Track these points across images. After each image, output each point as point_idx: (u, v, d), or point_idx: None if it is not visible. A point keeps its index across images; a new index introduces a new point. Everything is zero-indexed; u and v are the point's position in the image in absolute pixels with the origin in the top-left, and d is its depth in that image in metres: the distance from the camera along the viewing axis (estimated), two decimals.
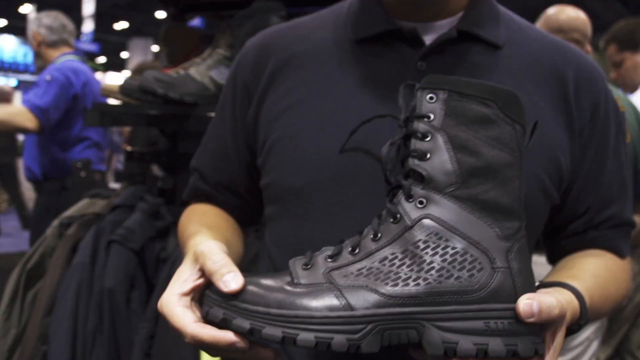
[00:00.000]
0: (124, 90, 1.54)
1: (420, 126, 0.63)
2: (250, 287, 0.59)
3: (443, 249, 0.60)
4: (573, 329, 0.70)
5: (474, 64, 0.78)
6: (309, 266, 0.62)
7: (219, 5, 1.86)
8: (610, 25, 2.63)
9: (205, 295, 0.61)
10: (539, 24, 2.25)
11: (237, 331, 0.58)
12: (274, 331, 0.57)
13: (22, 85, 17.07)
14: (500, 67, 0.79)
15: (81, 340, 1.45)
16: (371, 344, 0.58)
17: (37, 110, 2.65)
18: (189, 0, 1.89)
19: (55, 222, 1.66)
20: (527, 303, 0.59)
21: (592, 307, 0.73)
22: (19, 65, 17.04)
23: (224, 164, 0.90)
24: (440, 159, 0.62)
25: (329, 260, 0.62)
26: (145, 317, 1.43)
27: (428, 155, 0.63)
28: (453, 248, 0.60)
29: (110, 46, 18.07)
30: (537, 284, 0.74)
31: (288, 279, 0.61)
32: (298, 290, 0.59)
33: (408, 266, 0.60)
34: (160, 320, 1.41)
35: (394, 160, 0.66)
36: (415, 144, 0.63)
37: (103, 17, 15.66)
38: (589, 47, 2.26)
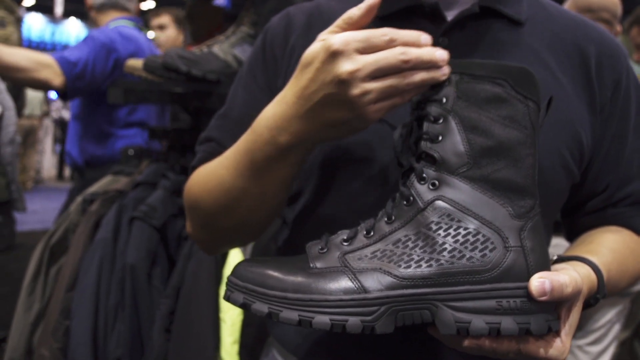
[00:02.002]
0: (147, 67, 1.55)
1: (433, 109, 0.63)
2: (269, 272, 0.61)
3: (455, 229, 0.60)
4: (590, 302, 0.70)
5: (496, 40, 0.78)
6: (324, 250, 0.63)
7: None
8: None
9: (227, 280, 0.63)
10: (568, 4, 2.20)
11: (256, 314, 0.60)
12: (291, 315, 0.58)
13: None
14: (522, 43, 0.78)
15: (103, 315, 1.48)
16: (385, 325, 0.58)
17: (64, 62, 2.18)
18: None
19: (79, 199, 1.69)
20: (539, 281, 0.59)
21: (609, 281, 0.73)
22: (46, 44, 17.25)
23: None
24: (452, 140, 0.62)
25: (344, 243, 0.63)
26: (166, 294, 1.45)
27: (440, 138, 0.63)
28: (465, 229, 0.60)
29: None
30: (555, 257, 0.74)
31: (304, 263, 0.62)
32: (314, 274, 0.60)
33: (421, 248, 0.60)
34: (180, 297, 1.43)
35: (407, 143, 0.66)
36: (427, 126, 0.63)
37: None
38: (618, 27, 2.21)
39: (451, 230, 0.60)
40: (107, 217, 1.57)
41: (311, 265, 0.61)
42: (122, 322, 1.48)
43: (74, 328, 1.48)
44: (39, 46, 16.88)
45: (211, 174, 0.80)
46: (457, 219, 0.61)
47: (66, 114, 8.95)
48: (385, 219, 0.63)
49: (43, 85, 2.27)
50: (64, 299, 1.55)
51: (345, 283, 0.59)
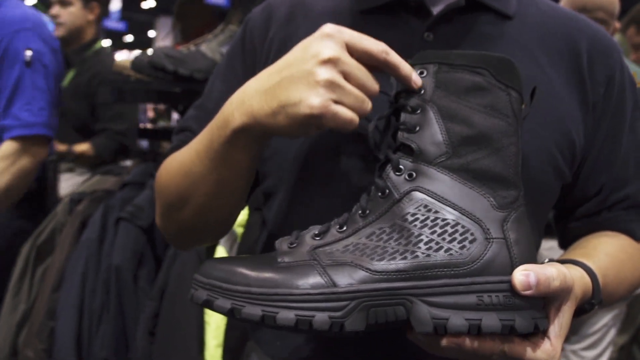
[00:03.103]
0: (135, 66, 1.53)
1: (411, 100, 0.61)
2: (235, 268, 0.58)
3: (432, 221, 0.58)
4: (585, 308, 0.67)
5: (483, 35, 0.75)
6: (294, 245, 0.60)
7: None
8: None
9: (193, 278, 0.60)
10: (563, 2, 2.18)
11: (219, 312, 0.57)
12: (254, 310, 0.55)
13: None
14: (510, 37, 0.75)
15: (87, 317, 1.46)
16: (355, 322, 0.55)
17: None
18: None
19: (66, 199, 1.66)
20: (523, 274, 0.56)
21: (606, 288, 0.69)
22: None
23: None
24: (430, 130, 0.60)
25: (316, 238, 0.60)
26: (150, 296, 1.43)
27: (417, 128, 0.60)
28: (443, 219, 0.58)
29: (137, 25, 18.14)
30: (546, 261, 0.71)
31: (273, 258, 0.59)
32: (281, 268, 0.57)
33: (396, 240, 0.57)
34: (164, 299, 1.41)
35: (384, 135, 0.63)
36: (404, 117, 0.61)
37: None
38: (616, 24, 2.18)
39: (428, 222, 0.58)
40: (94, 217, 1.54)
41: (279, 260, 0.58)
42: (107, 323, 1.46)
43: (59, 329, 1.46)
44: None
45: (176, 161, 0.78)
46: (435, 210, 0.58)
47: None
48: (360, 212, 0.60)
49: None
50: (49, 299, 1.53)
51: (313, 277, 0.56)
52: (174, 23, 1.78)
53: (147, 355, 1.37)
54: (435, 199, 0.58)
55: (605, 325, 1.98)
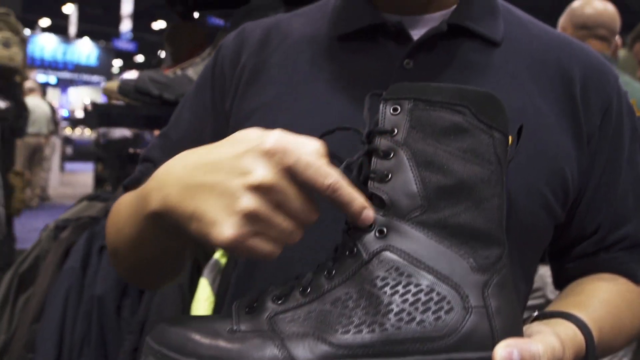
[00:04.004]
0: (122, 90, 1.49)
1: (382, 142, 0.54)
2: (188, 334, 0.52)
3: (404, 287, 0.51)
4: None
5: (468, 62, 0.69)
6: (253, 309, 0.53)
7: (228, 4, 1.80)
8: None
9: (145, 341, 0.54)
10: (563, 19, 2.12)
11: None
12: None
13: (60, 83, 17.49)
14: (497, 65, 0.70)
15: (67, 350, 1.40)
16: None
17: None
18: None
19: (51, 225, 1.61)
20: (506, 351, 0.49)
21: (601, 342, 0.63)
22: (58, 63, 17.44)
23: None
24: (403, 179, 0.53)
25: (276, 302, 0.53)
26: (130, 329, 1.37)
27: (389, 176, 0.53)
28: (416, 285, 0.51)
29: (147, 45, 18.35)
30: (535, 314, 0.65)
31: (228, 325, 0.53)
32: (236, 338, 0.51)
33: (363, 309, 0.51)
34: (144, 333, 1.35)
35: (355, 183, 0.57)
36: (375, 163, 0.54)
37: (141, 17, 15.92)
38: (618, 41, 2.11)
39: (399, 288, 0.51)
40: (77, 245, 1.49)
41: (234, 327, 0.52)
42: (88, 357, 1.40)
43: None
44: (51, 65, 17.08)
45: (116, 209, 0.73)
46: (407, 274, 0.51)
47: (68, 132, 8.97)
48: (325, 273, 0.53)
49: None
50: (28, 330, 1.47)
51: (270, 350, 0.49)
52: (165, 46, 1.74)
53: None
54: (408, 261, 0.52)
55: (614, 355, 1.90)
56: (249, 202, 0.49)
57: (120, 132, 6.52)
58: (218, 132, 0.78)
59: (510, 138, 0.57)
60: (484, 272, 0.52)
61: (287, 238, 0.51)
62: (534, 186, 0.66)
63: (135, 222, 0.62)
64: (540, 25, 0.76)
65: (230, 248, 0.50)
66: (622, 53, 2.48)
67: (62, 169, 10.05)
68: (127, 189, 0.79)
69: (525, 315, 0.68)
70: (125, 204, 0.68)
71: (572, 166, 0.69)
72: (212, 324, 0.53)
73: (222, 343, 0.51)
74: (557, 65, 0.71)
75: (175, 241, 0.61)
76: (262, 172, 0.49)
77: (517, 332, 0.52)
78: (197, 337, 0.51)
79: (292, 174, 0.50)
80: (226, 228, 0.49)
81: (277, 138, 0.50)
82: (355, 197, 0.51)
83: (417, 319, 0.50)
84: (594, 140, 0.71)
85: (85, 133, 12.90)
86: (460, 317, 0.50)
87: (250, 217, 0.49)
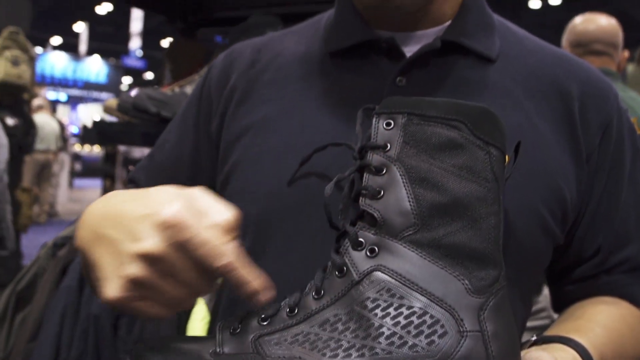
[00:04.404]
0: (120, 107, 1.49)
1: (375, 158, 0.52)
2: (168, 356, 0.49)
3: (396, 309, 0.48)
4: None
5: (462, 79, 0.67)
6: (237, 330, 0.51)
7: (229, 21, 1.80)
8: None
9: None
10: (563, 39, 2.10)
11: None
12: None
13: (71, 100, 17.64)
14: (492, 82, 0.68)
15: None
16: None
17: None
18: (199, 15, 1.83)
19: (50, 243, 1.59)
20: None
21: None
22: (68, 80, 17.60)
23: (174, 180, 0.77)
24: (395, 196, 0.51)
25: (262, 323, 0.51)
26: (124, 349, 1.34)
27: (382, 193, 0.51)
28: (409, 308, 0.48)
29: (156, 63, 18.50)
30: (533, 338, 0.62)
31: (211, 347, 0.50)
32: None
33: (352, 332, 0.48)
34: None
35: (347, 200, 0.55)
36: (367, 179, 0.52)
37: (150, 35, 16.08)
38: (625, 54, 2.08)
39: (391, 310, 0.48)
40: (74, 263, 1.47)
41: (218, 349, 0.50)
42: None
43: None
44: (61, 82, 17.25)
45: None
46: (399, 296, 0.49)
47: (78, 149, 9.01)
48: (314, 293, 0.51)
49: None
50: (24, 349, 1.45)
51: None
52: (164, 63, 1.73)
53: None
54: (401, 282, 0.49)
55: None
56: (135, 269, 0.48)
57: (141, 152, 6.53)
58: (197, 154, 0.77)
59: (507, 157, 0.55)
60: (480, 294, 0.49)
61: (176, 305, 0.51)
62: (531, 206, 0.64)
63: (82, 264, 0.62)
64: (537, 42, 0.74)
65: (115, 307, 0.50)
66: (630, 68, 2.44)
67: (71, 185, 10.08)
68: None
69: (525, 337, 0.65)
70: None
71: (570, 185, 0.67)
72: (195, 346, 0.51)
73: None
74: (554, 81, 0.69)
75: None
76: (152, 243, 0.48)
77: (514, 358, 0.49)
78: (178, 358, 0.49)
79: (185, 249, 0.48)
80: (111, 289, 0.49)
81: (177, 210, 0.49)
82: (249, 280, 0.49)
83: (410, 343, 0.47)
84: (593, 158, 0.68)
85: (94, 150, 12.97)
86: (455, 341, 0.47)
87: (135, 283, 0.48)
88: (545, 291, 1.75)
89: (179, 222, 0.48)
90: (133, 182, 0.81)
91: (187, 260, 0.48)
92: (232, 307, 0.72)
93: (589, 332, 0.62)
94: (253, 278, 0.49)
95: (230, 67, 0.76)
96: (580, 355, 0.58)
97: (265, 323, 0.51)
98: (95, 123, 1.58)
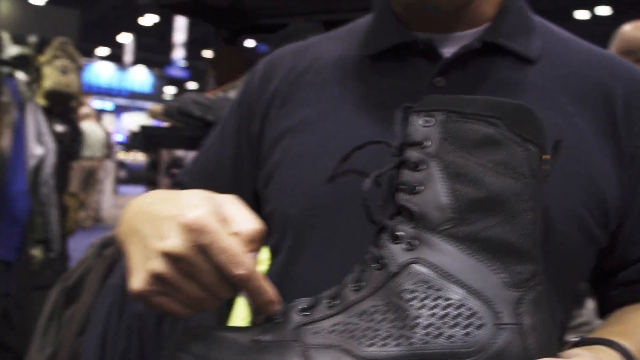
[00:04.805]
0: (166, 112, 1.53)
1: (413, 154, 0.54)
2: (211, 344, 0.52)
3: (433, 300, 0.49)
4: None
5: (501, 80, 0.68)
6: (279, 320, 0.53)
7: (272, 29, 1.83)
8: None
9: (168, 350, 0.55)
10: (613, 44, 2.06)
11: None
12: None
13: (116, 109, 18.10)
14: (532, 83, 0.68)
15: None
16: None
17: None
18: (243, 23, 1.87)
19: (97, 242, 1.65)
20: None
21: None
22: (113, 90, 18.09)
23: (216, 183, 0.80)
24: (433, 191, 0.52)
25: (303, 313, 0.53)
26: (169, 344, 1.38)
27: (419, 188, 0.52)
28: (446, 299, 0.49)
29: (199, 72, 18.85)
30: (576, 339, 0.62)
31: (254, 335, 0.52)
32: (260, 348, 0.50)
33: (390, 322, 0.49)
34: None
35: (385, 195, 0.56)
36: (406, 175, 0.54)
37: (193, 45, 16.39)
38: None
39: (428, 301, 0.49)
40: (120, 262, 1.52)
41: (260, 337, 0.52)
42: None
43: None
44: (107, 92, 17.73)
45: None
46: (437, 287, 0.50)
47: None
48: (352, 285, 0.53)
49: None
50: (73, 343, 1.50)
51: None
52: (208, 70, 1.78)
53: None
54: (438, 274, 0.50)
55: None
56: (157, 265, 0.51)
57: (184, 160, 6.67)
58: (238, 158, 0.79)
59: (545, 156, 0.55)
60: (518, 288, 0.50)
61: (197, 305, 0.53)
62: (570, 207, 0.64)
63: None
64: (581, 43, 0.74)
65: (138, 300, 0.53)
66: None
67: (115, 191, 10.32)
68: None
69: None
70: None
71: (611, 187, 0.66)
72: (237, 335, 0.53)
73: (245, 353, 0.50)
74: (598, 82, 0.69)
75: None
76: (175, 242, 0.51)
77: (552, 352, 0.50)
78: (219, 347, 0.51)
79: (205, 252, 0.51)
80: (136, 281, 0.52)
81: (202, 214, 0.51)
82: (263, 292, 0.52)
83: (446, 333, 0.48)
84: (637, 161, 0.67)
85: (137, 158, 13.27)
86: (492, 333, 0.48)
87: (157, 279, 0.51)
88: (588, 305, 1.72)
89: (202, 225, 0.50)
90: (178, 185, 0.84)
91: (207, 264, 0.51)
92: None
93: (633, 336, 0.61)
94: (266, 291, 0.52)
95: (271, 72, 0.78)
96: (624, 358, 0.57)
97: (305, 314, 0.53)
98: (142, 127, 1.63)
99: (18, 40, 3.91)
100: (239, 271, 0.50)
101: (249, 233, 0.52)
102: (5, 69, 3.31)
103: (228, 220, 0.52)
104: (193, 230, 0.50)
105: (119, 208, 9.87)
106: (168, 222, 0.52)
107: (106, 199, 9.78)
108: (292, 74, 0.76)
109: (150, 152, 2.24)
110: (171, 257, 0.51)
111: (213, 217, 0.51)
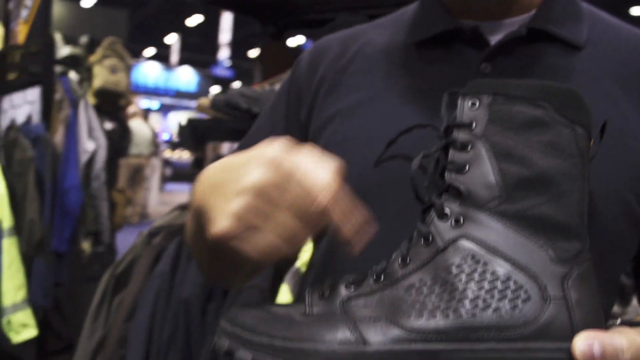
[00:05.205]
0: (214, 105, 1.56)
1: (460, 135, 0.55)
2: (260, 316, 0.53)
3: (480, 274, 0.50)
4: None
5: (548, 67, 0.68)
6: (326, 295, 0.54)
7: (318, 23, 1.85)
8: None
9: (219, 324, 0.57)
10: None
11: None
12: None
13: (162, 108, 18.49)
14: (579, 70, 0.67)
15: (155, 348, 1.46)
16: None
17: None
18: (289, 18, 1.90)
19: (145, 232, 1.70)
20: (586, 343, 0.47)
21: None
22: (160, 89, 18.48)
23: None
24: (481, 170, 0.53)
25: (350, 288, 0.54)
26: (212, 330, 1.41)
27: (467, 167, 0.53)
28: (493, 273, 0.50)
29: (244, 72, 19.09)
30: (618, 322, 0.61)
31: (302, 308, 0.54)
32: (308, 321, 0.52)
33: (437, 295, 0.50)
34: None
35: (432, 175, 0.57)
36: (453, 155, 0.55)
37: (238, 45, 16.61)
38: None
39: (475, 275, 0.50)
40: (168, 250, 1.56)
41: (307, 310, 0.53)
42: (174, 356, 1.45)
43: (128, 358, 1.47)
44: (154, 91, 18.13)
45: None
46: (484, 262, 0.51)
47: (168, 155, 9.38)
48: (399, 261, 0.54)
49: None
50: (121, 328, 1.55)
51: (342, 332, 0.50)
52: (255, 65, 1.81)
53: None
54: (485, 249, 0.51)
55: None
56: (244, 201, 0.51)
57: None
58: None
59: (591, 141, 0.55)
60: (564, 264, 0.50)
61: (290, 235, 0.51)
62: (616, 191, 0.63)
63: (193, 227, 0.66)
64: (630, 29, 0.73)
65: (224, 242, 0.51)
66: None
67: (161, 189, 10.54)
68: None
69: None
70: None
71: None
72: (286, 308, 0.55)
73: (294, 324, 0.51)
74: None
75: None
76: (259, 174, 0.51)
77: (598, 326, 0.50)
78: (268, 319, 0.53)
79: (291, 179, 0.50)
80: (220, 222, 0.51)
81: (283, 147, 0.52)
82: (356, 210, 0.52)
83: (493, 306, 0.49)
84: None
85: (183, 156, 13.52)
86: (538, 307, 0.49)
87: (244, 215, 0.50)
88: (634, 302, 1.68)
89: (284, 156, 0.51)
90: None
91: (295, 190, 0.50)
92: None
93: None
94: (356, 211, 0.51)
95: (319, 59, 0.79)
96: None
97: (352, 288, 0.54)
98: (189, 121, 1.67)
99: (70, 40, 4.05)
100: (327, 193, 0.50)
101: (332, 165, 0.52)
102: (59, 69, 3.43)
103: (308, 154, 0.53)
104: (275, 161, 0.51)
105: (165, 205, 10.09)
106: (251, 161, 0.52)
107: (152, 196, 10.00)
108: (339, 62, 0.77)
109: (196, 149, 2.29)
110: (256, 190, 0.50)
111: (294, 150, 0.52)
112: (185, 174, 11.70)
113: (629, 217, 0.64)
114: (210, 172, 0.59)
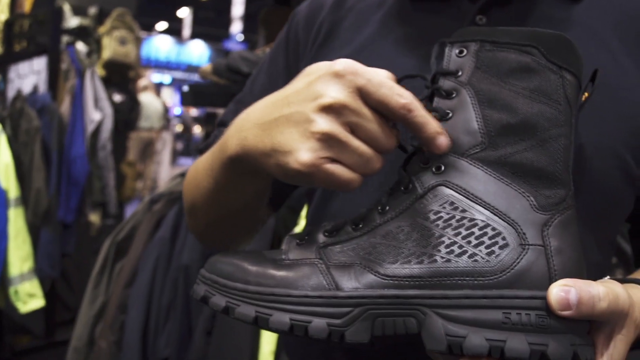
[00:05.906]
0: (215, 70, 1.55)
1: (445, 83, 0.53)
2: (238, 263, 0.53)
3: (458, 221, 0.49)
4: None
5: (544, 17, 0.66)
6: (303, 242, 0.54)
7: None
8: None
9: (199, 273, 0.56)
10: None
11: (215, 309, 0.53)
12: (248, 310, 0.50)
13: (174, 83, 18.48)
14: (577, 21, 0.65)
15: (155, 313, 1.47)
16: (358, 332, 0.48)
17: None
18: None
19: (146, 199, 1.70)
20: (562, 289, 0.45)
21: None
22: (172, 64, 18.44)
23: None
24: (464, 117, 0.51)
25: (327, 235, 0.53)
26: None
27: (450, 114, 0.52)
28: (471, 220, 0.49)
29: (256, 46, 18.98)
30: (606, 278, 0.60)
31: (279, 255, 0.53)
32: (283, 265, 0.51)
33: (414, 241, 0.49)
34: None
35: None
36: (437, 102, 0.53)
37: (251, 19, 16.50)
38: None
39: (453, 221, 0.49)
40: (168, 217, 1.56)
41: (284, 256, 0.52)
42: (173, 322, 1.46)
43: (128, 324, 1.49)
44: (165, 65, 18.11)
45: (194, 168, 0.74)
46: (462, 209, 0.49)
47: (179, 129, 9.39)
48: (379, 208, 0.53)
49: None
50: (122, 294, 1.56)
51: (315, 277, 0.49)
52: (259, 30, 1.79)
53: (202, 355, 1.36)
54: (464, 196, 0.50)
55: None
56: (323, 123, 0.48)
57: None
58: None
59: (585, 93, 0.53)
60: (546, 210, 0.49)
61: (365, 165, 0.50)
62: (610, 146, 0.61)
63: (213, 173, 0.64)
64: None
65: (308, 174, 0.49)
66: None
67: (173, 163, 10.58)
68: (203, 153, 0.81)
69: None
70: (203, 160, 0.70)
71: None
72: (263, 254, 0.54)
73: (269, 270, 0.51)
74: None
75: (253, 186, 0.62)
76: (334, 93, 0.49)
77: (578, 275, 0.48)
78: (245, 264, 0.52)
79: (364, 94, 0.49)
80: (302, 153, 0.49)
81: (347, 62, 0.50)
82: (430, 121, 0.50)
83: (469, 252, 0.48)
84: None
85: (195, 130, 13.53)
86: (516, 253, 0.47)
87: (326, 140, 0.49)
88: None
89: (352, 69, 0.49)
90: (223, 125, 0.84)
91: (368, 108, 0.49)
92: None
93: None
94: (432, 120, 0.50)
95: (317, 10, 0.78)
96: None
97: (330, 235, 0.53)
98: (191, 86, 1.66)
99: (78, 11, 4.03)
100: (404, 100, 0.49)
101: (389, 74, 0.51)
102: (67, 39, 3.42)
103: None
104: (346, 75, 0.49)
105: None
106: (317, 82, 0.50)
107: (163, 170, 10.05)
108: (335, 13, 0.76)
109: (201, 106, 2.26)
110: (334, 110, 0.48)
111: (355, 63, 0.50)
112: (197, 148, 11.74)
113: (623, 173, 0.62)
114: (256, 112, 0.56)
